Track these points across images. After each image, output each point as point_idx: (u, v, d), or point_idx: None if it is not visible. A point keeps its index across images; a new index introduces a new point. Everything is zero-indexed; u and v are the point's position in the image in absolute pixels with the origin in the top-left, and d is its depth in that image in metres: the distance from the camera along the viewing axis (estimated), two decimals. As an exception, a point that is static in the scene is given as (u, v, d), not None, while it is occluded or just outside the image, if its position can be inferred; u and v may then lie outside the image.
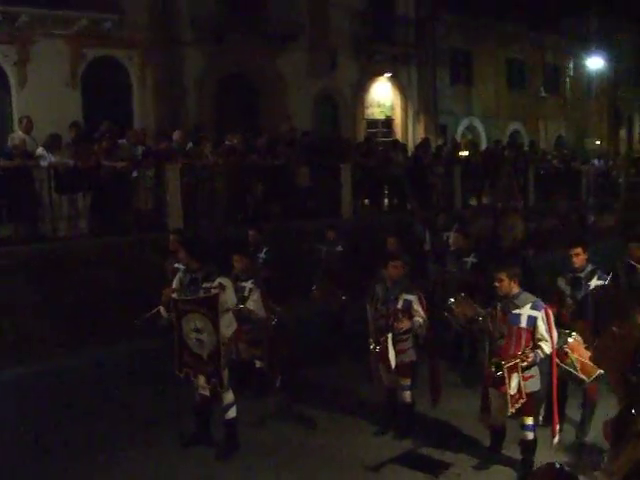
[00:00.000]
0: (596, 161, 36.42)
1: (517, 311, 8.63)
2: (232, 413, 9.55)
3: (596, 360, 4.42)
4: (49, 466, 9.56)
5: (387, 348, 9.64)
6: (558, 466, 3.68)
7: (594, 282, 9.99)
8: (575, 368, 9.35)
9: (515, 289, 8.70)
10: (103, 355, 14.03)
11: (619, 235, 22.94)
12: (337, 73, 30.00)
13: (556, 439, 9.07)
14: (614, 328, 4.08)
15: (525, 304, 8.64)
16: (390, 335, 9.67)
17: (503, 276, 8.67)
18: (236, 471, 9.27)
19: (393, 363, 9.70)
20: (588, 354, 9.36)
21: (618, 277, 11.61)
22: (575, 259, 10.10)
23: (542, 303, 8.76)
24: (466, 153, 28.90)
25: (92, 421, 11.00)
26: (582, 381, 9.52)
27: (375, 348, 9.67)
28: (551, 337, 8.64)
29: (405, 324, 9.77)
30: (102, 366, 13.50)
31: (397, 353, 9.81)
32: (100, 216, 16.74)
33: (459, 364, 13.39)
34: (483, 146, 34.33)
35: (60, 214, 16.07)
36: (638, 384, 4.03)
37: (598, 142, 47.17)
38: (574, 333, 9.47)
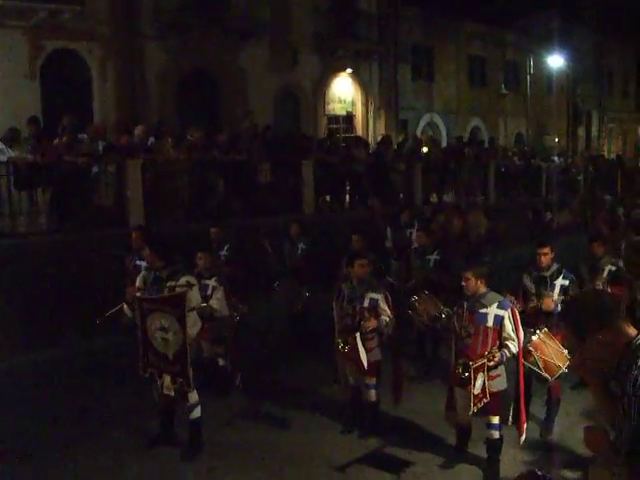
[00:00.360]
0: (556, 158, 36.66)
1: (484, 310, 8.64)
2: (197, 413, 9.47)
3: (577, 368, 4.36)
4: (10, 470, 9.41)
5: (357, 347, 9.58)
6: (540, 474, 3.64)
7: (559, 281, 10.06)
8: (538, 367, 9.39)
9: (482, 288, 8.71)
10: (61, 354, 13.82)
11: (577, 232, 23.11)
12: (298, 69, 29.93)
13: (523, 437, 9.11)
14: (599, 336, 4.03)
15: (492, 303, 8.65)
16: (358, 334, 9.62)
17: (470, 275, 8.67)
18: (202, 471, 9.21)
19: (365, 362, 9.65)
20: (551, 352, 9.43)
21: (582, 277, 11.74)
22: (543, 258, 10.15)
23: (509, 302, 8.80)
24: (426, 149, 28.95)
25: (51, 421, 10.85)
26: (545, 380, 9.56)
27: (344, 348, 9.60)
28: (517, 336, 8.67)
29: (372, 323, 9.73)
30: (61, 365, 13.27)
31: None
32: (60, 212, 16.49)
33: (422, 362, 13.41)
34: (444, 142, 34.45)
35: (19, 210, 15.82)
36: (620, 395, 3.99)
37: (557, 139, 47.53)
38: (538, 331, 9.52)
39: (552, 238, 19.47)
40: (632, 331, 4.05)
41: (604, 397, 4.25)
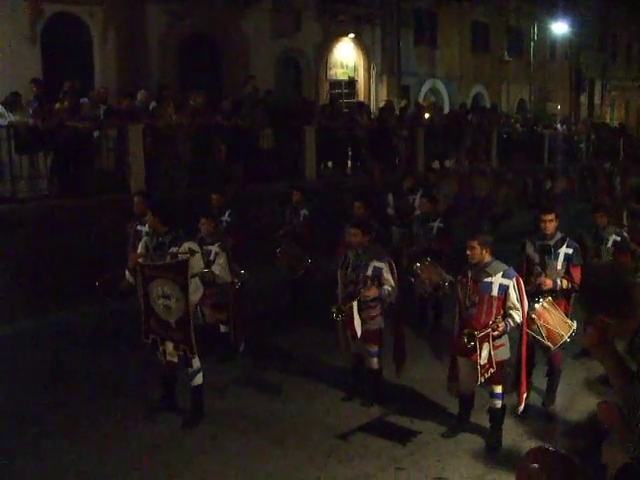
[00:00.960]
0: (559, 125, 36.54)
1: (488, 279, 8.58)
2: (199, 380, 9.44)
3: (594, 347, 4.27)
4: (13, 433, 9.43)
5: (352, 316, 9.53)
6: (551, 449, 3.60)
7: (563, 250, 9.96)
8: (541, 335, 9.36)
9: (487, 257, 8.64)
10: (66, 319, 13.81)
11: (575, 200, 23.04)
12: (300, 34, 29.68)
13: (521, 407, 9.11)
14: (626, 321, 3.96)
15: (496, 272, 8.59)
16: (355, 303, 9.56)
17: (475, 244, 8.59)
18: (203, 438, 9.20)
19: (359, 331, 9.57)
20: (554, 321, 9.41)
21: (585, 245, 11.69)
22: (548, 225, 10.02)
23: (513, 271, 8.74)
24: (428, 115, 28.85)
25: (55, 387, 10.88)
26: (548, 348, 9.54)
27: (337, 317, 9.52)
28: (522, 306, 8.63)
29: (373, 292, 9.67)
30: (65, 330, 13.28)
31: (365, 320, 9.70)
32: (61, 177, 16.43)
33: (424, 330, 13.40)
34: (446, 109, 34.30)
35: (20, 174, 15.75)
36: (636, 371, 3.94)
37: (559, 106, 47.35)
38: (542, 300, 9.49)
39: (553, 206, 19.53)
40: None
41: (620, 374, 4.20)
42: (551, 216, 10.05)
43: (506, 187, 21.89)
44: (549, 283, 9.75)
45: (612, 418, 4.15)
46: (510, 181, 23.14)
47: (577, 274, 9.86)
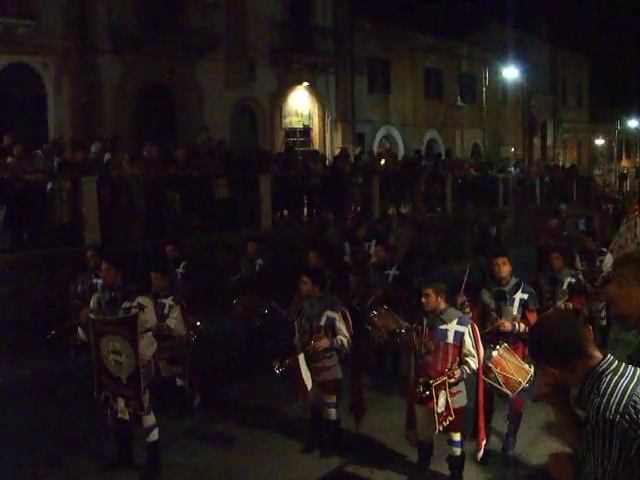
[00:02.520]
0: (513, 169, 36.94)
1: (444, 327, 8.56)
2: (154, 436, 9.29)
3: (543, 395, 4.29)
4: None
5: (299, 368, 9.47)
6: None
7: (519, 295, 10.00)
8: (499, 383, 9.35)
9: (442, 305, 8.63)
10: (18, 374, 13.60)
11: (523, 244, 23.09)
12: (255, 83, 29.94)
13: (480, 453, 9.07)
14: (572, 364, 3.99)
15: (452, 319, 8.58)
16: (302, 355, 9.51)
17: (430, 291, 8.58)
18: (159, 495, 9.07)
19: (309, 384, 9.53)
20: (511, 368, 9.41)
21: (541, 289, 11.76)
22: (502, 268, 10.06)
23: (468, 318, 8.75)
24: (383, 162, 29.05)
25: (6, 444, 10.66)
26: (506, 395, 9.54)
27: (278, 370, 9.45)
28: (477, 352, 8.62)
29: (323, 343, 9.58)
30: (17, 386, 13.07)
31: (320, 371, 9.66)
32: (14, 230, 16.30)
33: (381, 377, 13.36)
34: (400, 155, 34.55)
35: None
36: (584, 422, 3.95)
37: (513, 150, 47.91)
38: (498, 347, 9.49)
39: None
40: (598, 355, 4.01)
41: (568, 424, 4.20)
42: (503, 259, 10.11)
43: (432, 235, 21.76)
44: (508, 325, 9.78)
45: (563, 471, 4.14)
46: (436, 229, 23.07)
47: (533, 319, 9.90)
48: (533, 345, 4.28)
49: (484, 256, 19.85)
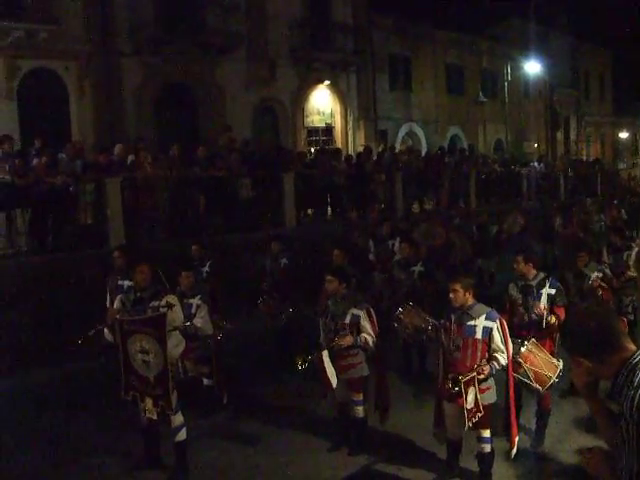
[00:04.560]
0: (536, 164, 36.74)
1: (472, 322, 8.50)
2: (182, 435, 9.27)
3: (580, 388, 4.25)
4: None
5: (323, 366, 9.45)
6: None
7: (546, 290, 9.97)
8: (529, 378, 9.31)
9: (470, 300, 8.57)
10: (46, 377, 13.63)
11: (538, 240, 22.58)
12: (276, 82, 29.91)
13: (514, 450, 9.01)
14: (607, 358, 3.94)
15: (480, 315, 8.51)
16: (326, 352, 9.48)
17: (458, 287, 8.51)
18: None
19: (334, 382, 9.49)
20: (540, 363, 9.35)
21: (567, 284, 11.69)
22: (519, 266, 10.11)
23: (496, 313, 8.68)
24: (406, 159, 28.97)
25: (33, 445, 10.69)
26: (537, 391, 9.49)
27: (302, 367, 9.43)
28: (506, 348, 8.56)
29: (347, 341, 9.57)
30: (43, 389, 13.10)
31: (346, 369, 9.67)
32: (39, 233, 16.36)
33: (408, 374, 13.31)
34: (423, 151, 34.43)
35: (-2, 232, 15.70)
36: (618, 415, 3.90)
37: (536, 145, 47.69)
38: (526, 342, 9.44)
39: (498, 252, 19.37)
40: (631, 347, 3.96)
41: (603, 417, 4.15)
42: (518, 258, 10.11)
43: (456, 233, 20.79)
44: (542, 308, 9.79)
45: (598, 467, 4.09)
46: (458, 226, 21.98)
47: (562, 314, 9.90)
48: (567, 335, 4.23)
49: (483, 258, 19.61)
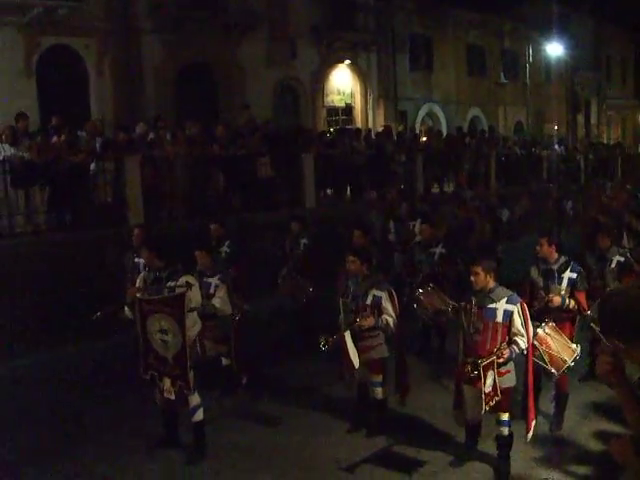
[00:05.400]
0: (557, 146, 36.56)
1: (493, 305, 8.44)
2: (199, 416, 9.28)
3: (608, 375, 4.16)
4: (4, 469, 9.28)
5: (345, 346, 9.38)
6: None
7: (567, 274, 9.92)
8: (544, 361, 9.24)
9: (491, 283, 8.50)
10: (65, 355, 13.68)
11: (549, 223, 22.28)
12: (297, 62, 29.79)
13: (530, 434, 8.94)
14: None
15: (501, 298, 8.44)
16: (348, 332, 9.42)
17: (479, 270, 8.45)
18: (207, 475, 9.04)
19: (356, 361, 9.44)
20: (557, 346, 9.29)
21: (589, 267, 11.59)
22: (539, 249, 10.09)
23: (518, 297, 8.60)
24: (426, 139, 28.89)
25: (51, 423, 10.71)
26: (552, 374, 9.42)
27: (324, 347, 9.36)
28: (527, 331, 8.49)
29: (369, 322, 9.53)
30: (61, 367, 13.11)
31: (366, 350, 9.62)
32: (58, 211, 16.35)
33: (428, 356, 13.26)
34: (444, 132, 34.29)
35: (17, 209, 15.64)
36: None
37: (556, 127, 47.43)
38: (544, 324, 9.37)
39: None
40: None
41: (632, 405, 4.07)
42: (542, 240, 10.08)
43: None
44: (557, 300, 9.69)
45: (626, 454, 4.01)
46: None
47: (582, 299, 9.89)
48: (605, 315, 4.14)
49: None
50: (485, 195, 23.70)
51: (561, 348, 9.32)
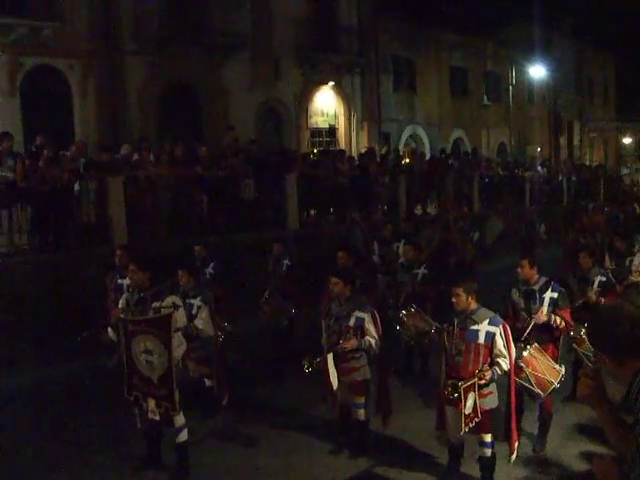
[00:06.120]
0: (539, 168, 36.74)
1: (475, 327, 8.45)
2: (183, 436, 9.25)
3: (588, 397, 4.19)
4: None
5: (327, 368, 9.39)
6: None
7: (548, 294, 9.96)
8: (530, 383, 9.26)
9: (473, 304, 8.51)
10: (47, 375, 13.61)
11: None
12: (280, 83, 29.89)
13: (514, 456, 8.95)
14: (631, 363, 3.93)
15: (483, 320, 8.46)
16: (331, 355, 9.44)
17: (460, 291, 8.45)
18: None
19: (335, 383, 9.47)
20: (542, 367, 9.31)
21: (570, 288, 11.64)
22: (523, 270, 10.12)
23: (500, 318, 8.62)
24: (409, 161, 29.01)
25: (33, 445, 10.65)
26: (538, 395, 9.44)
27: (308, 369, 9.37)
28: (509, 353, 8.50)
29: (351, 344, 9.53)
30: (44, 388, 13.08)
31: (349, 372, 9.64)
32: (42, 230, 16.30)
33: (410, 377, 13.27)
34: (427, 154, 34.42)
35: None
36: (632, 425, 3.85)
37: (539, 149, 47.67)
38: (528, 347, 9.40)
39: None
40: None
41: (612, 423, 4.11)
42: (523, 262, 10.15)
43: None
44: (544, 316, 9.77)
45: (610, 475, 4.04)
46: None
47: (567, 316, 9.91)
48: (594, 330, 4.19)
49: None
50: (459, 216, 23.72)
51: (546, 369, 9.34)
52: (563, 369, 9.49)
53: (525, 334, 9.70)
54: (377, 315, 9.86)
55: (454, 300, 8.54)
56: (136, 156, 18.86)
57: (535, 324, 9.83)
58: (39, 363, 13.83)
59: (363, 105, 34.07)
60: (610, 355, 3.98)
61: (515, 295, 10.23)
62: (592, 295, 11.31)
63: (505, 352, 8.46)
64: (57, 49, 23.02)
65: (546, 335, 9.90)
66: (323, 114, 32.87)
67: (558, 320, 9.86)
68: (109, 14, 24.31)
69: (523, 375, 9.19)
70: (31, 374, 13.55)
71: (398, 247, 16.26)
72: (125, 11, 24.60)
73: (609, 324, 4.03)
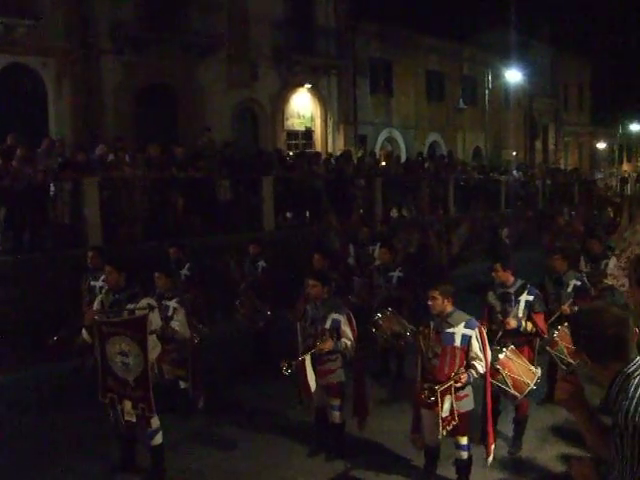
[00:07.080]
0: (515, 172, 36.90)
1: (451, 330, 8.43)
2: (159, 439, 9.17)
3: (566, 400, 4.19)
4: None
5: (305, 370, 9.37)
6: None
7: (524, 297, 10.02)
8: (507, 384, 9.27)
9: (449, 307, 8.50)
10: (19, 379, 13.53)
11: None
12: (257, 84, 29.85)
13: (490, 458, 8.95)
14: (611, 364, 3.93)
15: (459, 323, 8.45)
16: (308, 357, 9.41)
17: (436, 294, 8.43)
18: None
19: (313, 386, 9.43)
20: (519, 369, 9.33)
21: (547, 291, 11.66)
22: (497, 274, 10.18)
23: (476, 321, 8.62)
24: (385, 164, 29.05)
25: (9, 448, 10.55)
26: (514, 397, 9.44)
27: (286, 371, 9.34)
28: (485, 355, 8.51)
29: (328, 345, 9.49)
30: (16, 391, 13.00)
31: (325, 374, 9.61)
32: (15, 231, 16.15)
33: (387, 379, 13.26)
34: (403, 157, 34.47)
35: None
36: (611, 427, 3.85)
37: (514, 153, 47.89)
38: (505, 349, 9.41)
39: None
40: (631, 357, 3.92)
41: (591, 425, 4.10)
42: (496, 266, 10.23)
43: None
44: (513, 323, 9.77)
45: (588, 476, 4.03)
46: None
47: (540, 321, 9.98)
48: (578, 331, 4.18)
49: None
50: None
51: (523, 371, 9.36)
52: (539, 371, 9.52)
53: (498, 337, 9.72)
54: (353, 317, 9.84)
55: (430, 303, 8.53)
56: (112, 156, 18.73)
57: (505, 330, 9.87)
58: (12, 365, 13.72)
59: (339, 107, 34.09)
60: (594, 357, 3.98)
61: (491, 298, 10.26)
62: (565, 308, 11.33)
63: (481, 355, 8.46)
64: (32, 47, 22.82)
65: (522, 337, 9.94)
66: (299, 116, 32.86)
67: (529, 327, 9.89)
68: (85, 13, 24.14)
69: (499, 377, 9.21)
70: (3, 376, 13.43)
71: (374, 250, 16.21)
72: (101, 10, 24.43)
73: (596, 327, 4.02)
